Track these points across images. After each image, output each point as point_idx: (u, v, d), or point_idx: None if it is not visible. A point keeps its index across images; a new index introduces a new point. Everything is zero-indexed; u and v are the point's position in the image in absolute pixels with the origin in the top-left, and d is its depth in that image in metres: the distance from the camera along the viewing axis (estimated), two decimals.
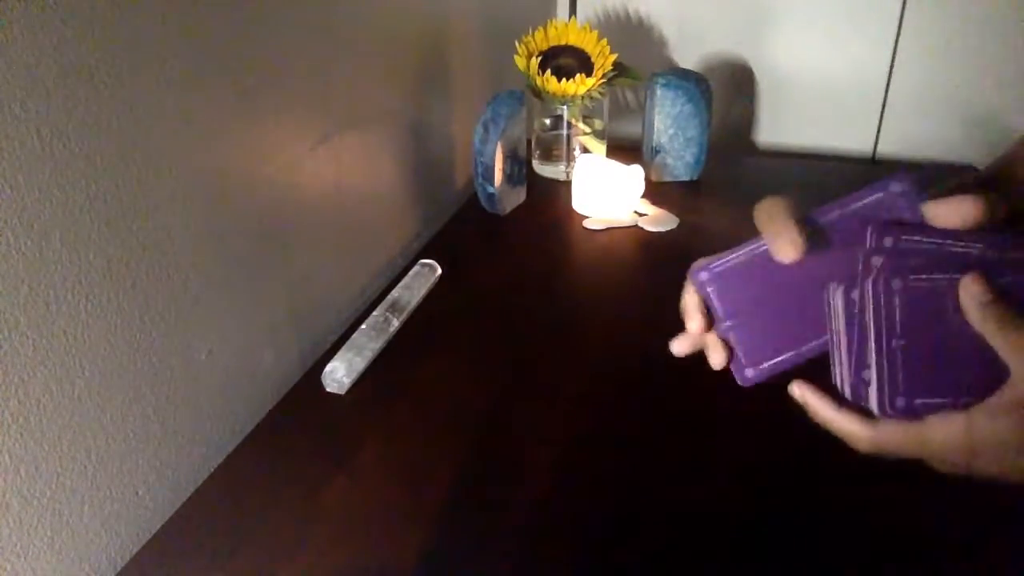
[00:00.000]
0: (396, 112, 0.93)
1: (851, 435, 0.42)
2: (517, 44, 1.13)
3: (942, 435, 0.39)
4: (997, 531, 0.55)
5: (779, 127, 1.37)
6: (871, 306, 0.40)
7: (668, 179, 1.19)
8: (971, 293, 0.39)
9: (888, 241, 0.41)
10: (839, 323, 0.42)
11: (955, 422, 0.38)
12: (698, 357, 0.79)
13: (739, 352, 0.48)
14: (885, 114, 1.31)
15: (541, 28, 1.14)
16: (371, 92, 0.86)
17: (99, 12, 0.48)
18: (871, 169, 1.31)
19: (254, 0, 0.63)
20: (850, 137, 1.34)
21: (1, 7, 0.42)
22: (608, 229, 1.05)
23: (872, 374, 0.41)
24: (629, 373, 0.75)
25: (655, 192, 1.12)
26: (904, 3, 1.22)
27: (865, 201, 0.43)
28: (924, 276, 0.40)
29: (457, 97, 1.09)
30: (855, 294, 0.41)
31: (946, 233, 0.40)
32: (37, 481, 0.48)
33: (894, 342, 0.40)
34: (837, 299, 0.42)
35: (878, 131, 1.32)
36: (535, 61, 1.11)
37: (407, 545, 0.56)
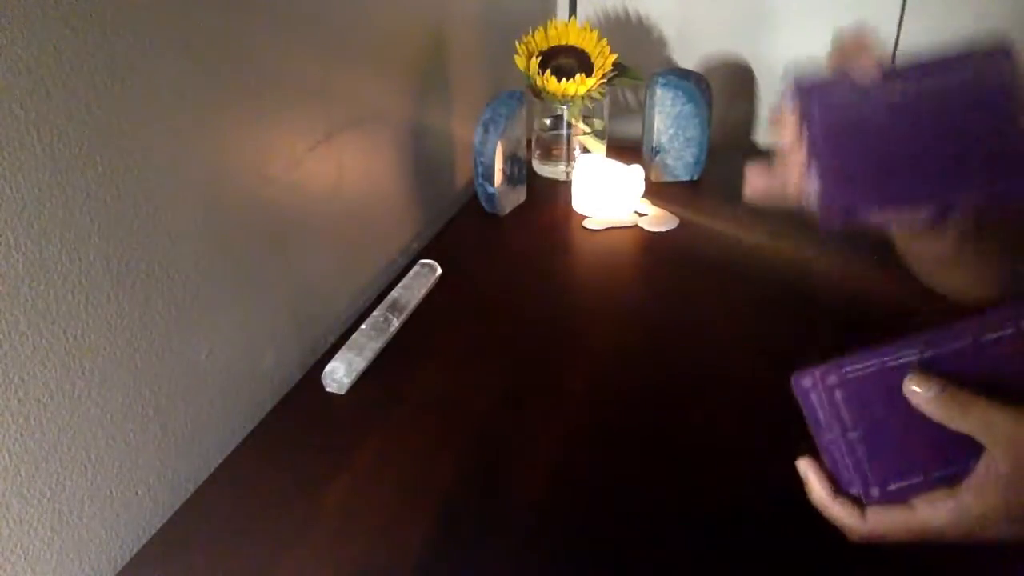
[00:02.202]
0: (396, 112, 0.93)
1: (843, 524, 0.42)
2: (517, 44, 1.13)
3: (932, 518, 0.39)
4: None
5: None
6: (816, 406, 0.42)
7: (668, 179, 1.19)
8: (917, 394, 0.39)
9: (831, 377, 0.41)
10: (816, 411, 0.43)
11: (943, 504, 0.39)
12: (699, 357, 0.79)
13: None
14: None
15: (541, 28, 1.14)
16: (371, 92, 0.86)
17: (99, 12, 0.48)
18: None
19: (255, 1, 0.63)
20: None
21: (1, 7, 0.42)
22: (608, 229, 1.05)
23: (843, 469, 0.42)
24: (629, 372, 0.75)
25: (655, 192, 1.12)
26: (904, 3, 1.22)
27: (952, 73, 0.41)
28: (859, 366, 0.41)
29: (457, 97, 1.09)
30: (818, 384, 0.42)
31: (883, 352, 0.41)
32: (37, 481, 0.48)
33: (849, 435, 0.41)
34: (807, 387, 0.42)
35: None
36: (535, 61, 1.11)
37: (407, 545, 0.56)
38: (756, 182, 0.48)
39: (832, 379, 0.41)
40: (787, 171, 0.45)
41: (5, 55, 0.42)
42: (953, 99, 0.41)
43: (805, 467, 0.44)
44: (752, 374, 0.73)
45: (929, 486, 0.40)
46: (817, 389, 0.41)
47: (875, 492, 0.41)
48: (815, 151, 0.42)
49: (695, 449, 0.65)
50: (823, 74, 0.42)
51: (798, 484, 0.61)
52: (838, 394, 0.41)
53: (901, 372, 0.40)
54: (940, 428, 0.39)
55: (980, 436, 0.38)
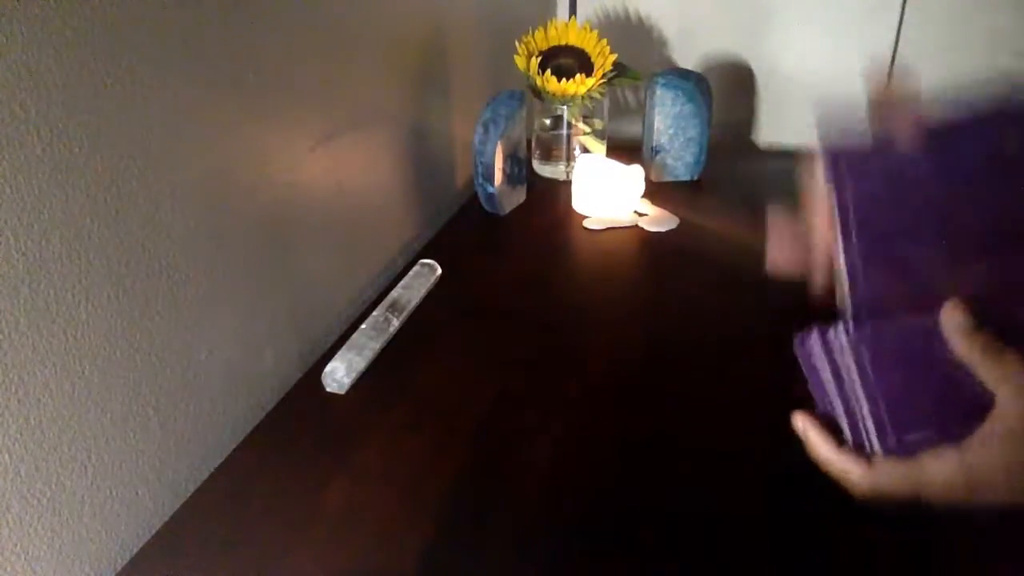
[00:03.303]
0: (396, 112, 0.93)
1: (848, 477, 0.42)
2: (517, 44, 1.13)
3: (938, 472, 0.38)
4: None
5: (779, 127, 1.37)
6: (845, 353, 0.41)
7: (668, 179, 1.19)
8: (954, 321, 0.38)
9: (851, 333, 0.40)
10: (824, 367, 0.42)
11: (951, 457, 0.38)
12: (699, 358, 0.79)
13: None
14: None
15: (541, 28, 1.14)
16: (371, 92, 0.86)
17: (99, 12, 0.48)
18: None
19: (254, 0, 0.63)
20: None
21: (1, 7, 0.42)
22: (608, 229, 1.05)
23: (864, 418, 0.41)
24: (629, 373, 0.75)
25: (655, 192, 1.12)
26: (904, 2, 1.22)
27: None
28: (891, 319, 0.40)
29: (457, 97, 1.09)
30: (831, 337, 0.41)
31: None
32: (37, 481, 0.48)
33: (872, 383, 0.40)
34: (814, 343, 0.42)
35: None
36: (535, 61, 1.11)
37: (407, 545, 0.56)
38: (778, 254, 0.45)
39: (838, 335, 0.40)
40: (814, 244, 0.43)
41: (5, 55, 0.42)
42: (991, 168, 0.39)
43: (804, 423, 0.43)
44: (754, 373, 0.73)
45: (939, 442, 0.39)
46: (823, 346, 0.41)
47: (891, 441, 0.40)
48: (846, 228, 0.40)
49: (696, 449, 0.65)
50: (854, 137, 0.40)
51: (804, 481, 0.61)
52: (845, 348, 0.40)
53: (912, 328, 0.39)
54: (953, 383, 0.38)
55: (995, 385, 0.37)
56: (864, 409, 0.41)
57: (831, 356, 0.41)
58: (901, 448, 0.40)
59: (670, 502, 0.60)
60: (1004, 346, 0.37)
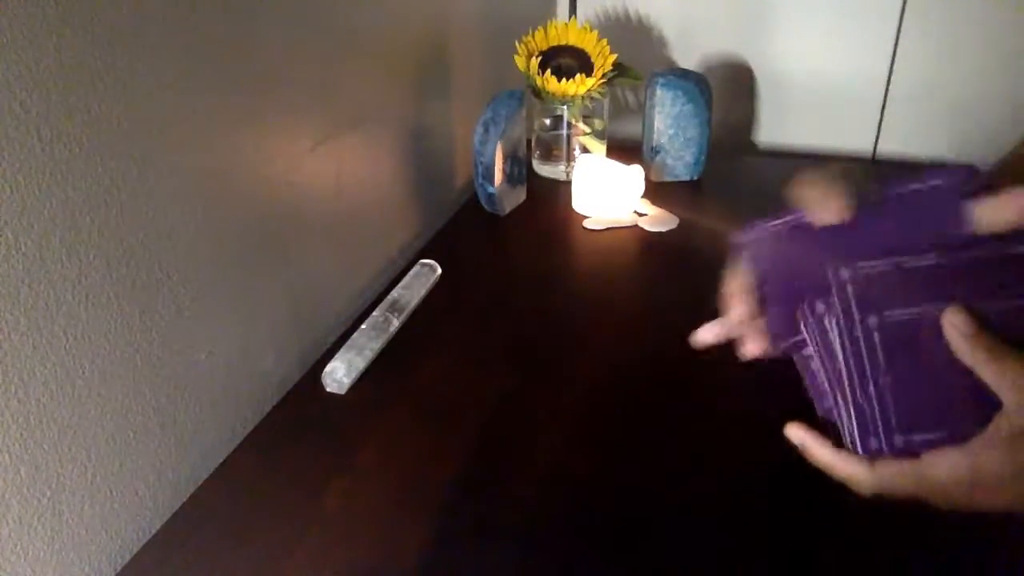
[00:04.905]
0: (396, 112, 0.93)
1: (852, 478, 0.42)
2: (517, 44, 1.13)
3: (943, 471, 0.38)
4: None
5: (779, 127, 1.37)
6: (850, 344, 0.40)
7: (668, 179, 1.19)
8: (955, 325, 0.38)
9: (845, 273, 0.41)
10: (826, 355, 0.42)
11: (954, 457, 0.38)
12: (699, 358, 0.79)
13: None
14: (885, 113, 1.31)
15: (541, 28, 1.14)
16: (371, 92, 0.86)
17: (99, 12, 0.48)
18: (871, 169, 1.31)
19: (254, 0, 0.63)
20: (850, 137, 1.34)
21: (1, 7, 0.42)
22: (608, 229, 1.05)
23: (868, 413, 0.40)
24: (629, 373, 0.75)
25: (655, 192, 1.12)
26: (904, 2, 1.22)
27: (915, 188, 0.42)
28: (898, 310, 0.40)
29: (457, 97, 1.09)
30: (832, 325, 0.41)
31: (898, 249, 0.40)
32: (37, 481, 0.48)
33: (880, 379, 0.40)
34: (814, 328, 0.42)
35: (878, 130, 1.32)
36: (535, 61, 1.11)
37: (407, 545, 0.56)
38: (706, 335, 0.53)
39: (874, 320, 0.40)
40: (733, 320, 0.49)
41: (5, 55, 0.42)
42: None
43: (799, 433, 0.44)
44: (754, 374, 0.73)
45: (946, 443, 0.39)
46: (852, 326, 0.40)
47: (899, 440, 0.40)
48: (757, 291, 0.47)
49: (696, 448, 0.65)
50: (769, 223, 0.46)
51: (805, 482, 0.61)
52: (877, 336, 0.40)
53: (918, 321, 0.39)
54: (959, 383, 0.38)
55: (1000, 388, 0.37)
56: (872, 401, 0.40)
57: (837, 335, 0.41)
58: (908, 448, 0.40)
59: (671, 502, 0.60)
60: (1007, 348, 0.37)
